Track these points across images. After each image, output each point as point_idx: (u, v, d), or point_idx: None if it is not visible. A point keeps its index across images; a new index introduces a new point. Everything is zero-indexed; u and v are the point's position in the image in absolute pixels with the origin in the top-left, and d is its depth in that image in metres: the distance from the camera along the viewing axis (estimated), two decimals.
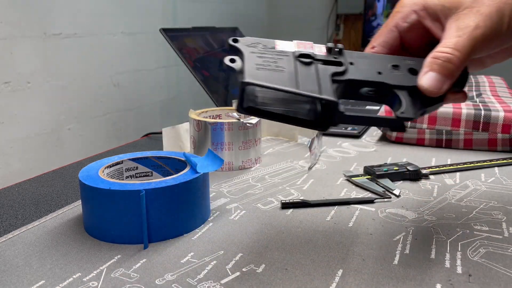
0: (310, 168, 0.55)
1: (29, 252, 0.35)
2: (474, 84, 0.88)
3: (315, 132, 0.63)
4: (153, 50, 2.12)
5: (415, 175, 0.51)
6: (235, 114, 0.57)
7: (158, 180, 0.37)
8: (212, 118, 0.61)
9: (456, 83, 0.33)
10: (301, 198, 0.46)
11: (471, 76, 0.99)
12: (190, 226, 0.39)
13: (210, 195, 0.47)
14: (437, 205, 0.44)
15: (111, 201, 0.35)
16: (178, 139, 0.61)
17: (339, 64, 0.33)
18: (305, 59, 0.33)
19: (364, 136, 0.71)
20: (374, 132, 0.73)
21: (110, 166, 0.42)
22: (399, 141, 0.66)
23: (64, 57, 1.72)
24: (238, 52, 0.32)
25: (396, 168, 0.51)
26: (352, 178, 0.50)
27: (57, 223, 0.41)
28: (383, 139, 0.68)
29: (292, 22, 3.23)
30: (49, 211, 0.44)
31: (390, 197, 0.46)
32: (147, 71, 2.11)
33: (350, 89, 0.33)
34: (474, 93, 0.77)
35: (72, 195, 0.48)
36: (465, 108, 0.63)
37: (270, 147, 0.65)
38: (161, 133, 0.72)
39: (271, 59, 0.32)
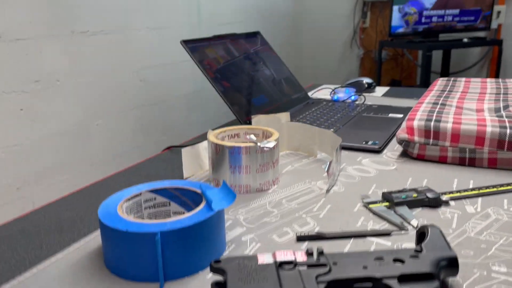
0: (327, 190, 0.55)
1: None
2: (502, 91, 0.85)
3: (334, 149, 0.63)
4: (178, 44, 2.13)
5: (434, 202, 0.50)
6: (253, 136, 0.58)
7: (173, 220, 0.38)
8: (231, 138, 0.62)
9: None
10: (317, 229, 0.46)
11: (499, 81, 0.95)
12: (205, 263, 0.39)
13: (227, 224, 0.48)
14: (456, 239, 0.43)
15: (128, 242, 0.37)
16: (197, 158, 0.62)
17: (323, 265, 0.34)
18: (288, 265, 0.34)
19: (385, 151, 0.70)
20: (396, 146, 0.71)
21: (129, 199, 0.43)
22: (420, 158, 0.65)
23: (91, 54, 1.75)
24: (221, 271, 0.33)
25: (415, 195, 0.51)
26: (370, 205, 0.50)
27: (80, 255, 0.42)
28: (404, 155, 0.67)
29: (318, 11, 3.17)
30: (72, 240, 0.45)
31: (408, 229, 0.46)
32: (172, 65, 2.13)
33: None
34: (501, 104, 0.75)
35: (95, 220, 0.50)
36: (490, 126, 0.61)
37: (289, 164, 0.65)
38: (182, 146, 0.73)
39: (254, 271, 0.33)
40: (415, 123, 0.65)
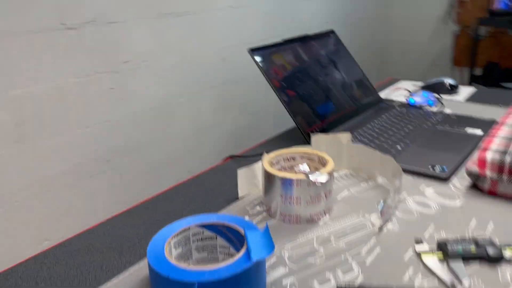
0: (380, 229, 0.54)
1: None
2: None
3: (395, 178, 0.60)
4: (259, 22, 2.13)
5: (495, 260, 0.47)
6: (306, 167, 0.57)
7: (212, 269, 0.40)
8: (286, 160, 0.62)
9: None
10: (360, 280, 0.45)
11: None
12: None
13: (271, 261, 0.48)
14: None
15: (169, 287, 0.39)
16: (253, 178, 0.63)
17: None
18: None
19: (453, 179, 0.65)
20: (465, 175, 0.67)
21: (178, 234, 0.46)
22: (492, 194, 0.60)
23: (175, 35, 1.81)
24: None
25: (474, 249, 0.47)
26: (422, 255, 0.48)
27: (132, 282, 0.46)
28: (474, 187, 0.63)
29: None
30: (129, 263, 0.49)
31: None
32: (252, 44, 2.14)
33: None
34: None
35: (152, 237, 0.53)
36: None
37: (346, 188, 0.64)
38: (242, 156, 0.74)
39: None
40: (489, 156, 0.60)
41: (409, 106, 0.96)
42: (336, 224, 0.55)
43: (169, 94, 1.85)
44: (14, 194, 1.41)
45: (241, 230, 0.46)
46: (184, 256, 0.47)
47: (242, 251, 0.42)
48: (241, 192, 0.62)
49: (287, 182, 0.54)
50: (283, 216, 0.56)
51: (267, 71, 0.78)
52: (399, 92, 1.08)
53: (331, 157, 0.69)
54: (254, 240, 0.43)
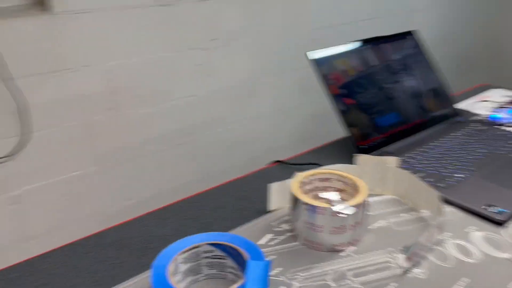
0: (404, 272, 0.50)
1: None
2: None
3: (438, 211, 0.55)
4: (351, 3, 2.03)
5: None
6: (333, 196, 0.54)
7: None
8: (321, 181, 0.60)
9: None
10: None
11: None
12: None
13: (278, 286, 0.48)
14: None
15: None
16: (285, 193, 0.62)
17: None
18: None
19: (509, 226, 0.58)
20: None
21: (187, 250, 0.47)
22: None
23: (266, 15, 1.81)
24: None
25: None
26: None
27: (143, 286, 0.49)
28: None
29: None
30: (147, 265, 0.52)
31: None
32: (346, 25, 2.06)
33: None
34: None
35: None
36: None
37: (383, 218, 0.60)
38: (289, 163, 0.73)
39: None
40: None
41: (489, 123, 0.86)
42: (360, 258, 0.53)
43: (253, 73, 1.86)
44: (103, 156, 1.56)
45: (246, 257, 0.46)
46: (194, 271, 0.49)
47: (241, 281, 0.43)
48: (272, 206, 0.62)
49: (310, 209, 0.52)
50: (306, 240, 0.55)
51: (325, 76, 0.75)
52: (483, 104, 0.97)
53: (376, 180, 0.65)
54: (254, 273, 0.43)
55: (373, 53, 0.83)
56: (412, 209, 0.62)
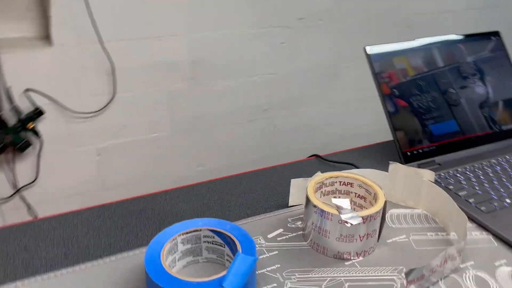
0: None
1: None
2: None
3: (463, 237, 0.51)
4: None
5: None
6: (344, 203, 0.52)
7: (184, 280, 0.42)
8: (343, 184, 0.58)
9: None
10: None
11: None
12: None
13: (270, 286, 0.48)
14: None
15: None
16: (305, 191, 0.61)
17: None
18: None
19: None
20: None
21: (188, 232, 0.49)
22: None
23: None
24: None
25: None
26: None
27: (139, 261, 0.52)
28: None
29: None
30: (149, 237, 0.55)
31: None
32: (448, 13, 1.90)
33: None
34: None
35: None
36: None
37: (405, 233, 0.56)
38: (326, 160, 0.71)
39: None
40: None
41: None
42: (363, 271, 0.51)
43: (337, 57, 1.81)
44: (180, 122, 1.64)
45: (239, 248, 0.47)
46: (194, 252, 0.51)
47: (223, 273, 0.44)
48: (291, 201, 0.61)
49: (319, 212, 0.51)
50: (313, 243, 0.54)
51: (378, 74, 0.71)
52: None
53: (409, 192, 0.61)
54: (239, 266, 0.44)
55: (444, 53, 0.76)
56: (441, 230, 0.57)
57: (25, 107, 1.38)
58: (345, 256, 0.52)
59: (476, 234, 0.56)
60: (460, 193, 0.62)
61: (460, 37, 0.78)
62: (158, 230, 0.57)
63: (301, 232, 0.56)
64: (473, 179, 0.65)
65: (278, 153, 1.89)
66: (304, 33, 1.72)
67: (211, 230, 0.50)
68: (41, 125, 1.43)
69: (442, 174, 0.67)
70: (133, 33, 1.44)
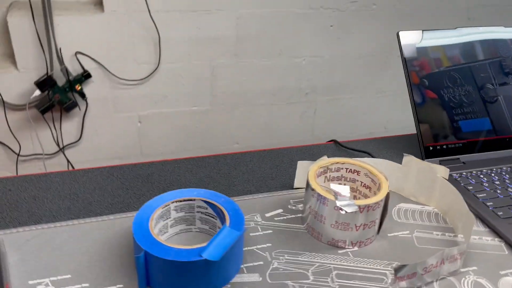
0: None
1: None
2: None
3: (469, 237, 0.48)
4: None
5: None
6: (344, 188, 0.50)
7: (166, 246, 0.43)
8: (349, 171, 0.55)
9: None
10: None
11: None
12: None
13: (256, 260, 0.48)
14: None
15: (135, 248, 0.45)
16: None
17: None
18: None
19: None
20: None
21: (182, 201, 0.50)
22: None
23: None
24: None
25: None
26: None
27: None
28: None
29: None
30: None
31: None
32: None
33: None
34: None
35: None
36: None
37: (410, 229, 0.54)
38: (343, 146, 0.69)
39: None
40: None
41: None
42: (355, 261, 0.49)
43: (388, 45, 1.74)
44: (220, 98, 1.65)
45: (227, 219, 0.46)
46: (187, 221, 0.51)
47: (204, 244, 0.44)
48: (297, 183, 0.60)
49: (316, 196, 0.50)
50: (309, 227, 0.52)
51: (409, 61, 0.67)
52: None
53: (422, 187, 0.58)
54: (222, 240, 0.44)
55: (486, 46, 0.71)
56: (450, 230, 0.54)
57: (74, 70, 1.44)
58: (339, 244, 0.50)
59: (487, 240, 0.53)
60: (479, 195, 0.58)
61: (507, 30, 0.72)
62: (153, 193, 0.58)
63: (299, 215, 0.55)
64: (496, 182, 0.61)
65: (316, 139, 1.86)
66: (355, 17, 1.66)
67: (205, 201, 0.50)
68: (88, 88, 1.49)
69: (464, 173, 0.63)
70: (182, 5, 1.45)
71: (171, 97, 1.60)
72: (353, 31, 1.69)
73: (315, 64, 1.72)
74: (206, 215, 0.51)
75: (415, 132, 0.71)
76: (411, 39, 0.68)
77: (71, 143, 1.56)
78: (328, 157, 0.68)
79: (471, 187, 0.60)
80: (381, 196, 0.49)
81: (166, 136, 1.66)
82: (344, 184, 0.56)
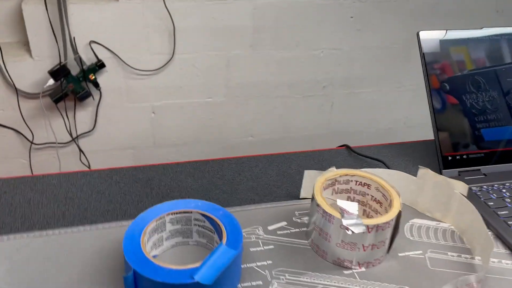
0: None
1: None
2: None
3: (487, 262, 0.44)
4: None
5: None
6: (352, 206, 0.46)
7: (160, 267, 0.40)
8: (359, 184, 0.52)
9: None
10: None
11: None
12: None
13: (257, 280, 0.45)
14: None
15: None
16: None
17: None
18: None
19: None
20: None
21: (178, 213, 0.47)
22: None
23: None
24: None
25: None
26: None
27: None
28: None
29: None
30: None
31: None
32: None
33: None
34: None
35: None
36: None
37: (423, 249, 0.50)
38: (355, 152, 0.66)
39: None
40: None
41: None
42: (361, 284, 0.45)
43: (411, 37, 1.67)
44: (235, 90, 1.62)
45: (224, 237, 0.43)
46: (184, 234, 0.49)
47: (198, 263, 0.41)
48: (303, 193, 0.57)
49: (321, 212, 0.46)
50: (313, 244, 0.49)
51: (430, 64, 0.62)
52: None
53: (438, 203, 0.54)
54: (217, 260, 0.41)
55: None
56: (466, 251, 0.50)
57: (88, 59, 1.43)
58: (345, 264, 0.47)
59: (507, 263, 0.49)
60: (500, 212, 0.54)
61: None
62: (159, 203, 0.55)
63: (304, 229, 0.52)
64: None
65: (333, 133, 1.82)
66: (377, 8, 1.60)
67: (202, 214, 0.47)
68: (102, 78, 1.47)
69: (485, 186, 0.59)
70: None
71: (185, 88, 1.57)
72: (374, 23, 1.63)
73: (333, 56, 1.66)
74: (203, 228, 0.48)
75: (433, 138, 0.67)
76: (432, 39, 0.63)
77: (85, 133, 1.55)
78: (339, 164, 0.64)
79: (491, 203, 0.56)
80: (392, 215, 0.45)
81: (180, 127, 1.64)
82: (353, 198, 0.53)
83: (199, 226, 0.48)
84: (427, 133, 1.82)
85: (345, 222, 0.44)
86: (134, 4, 1.39)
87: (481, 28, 0.65)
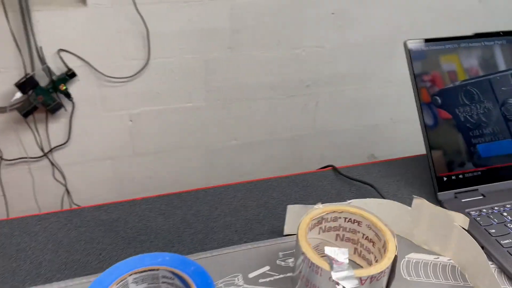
0: None
1: None
2: None
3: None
4: None
5: None
6: (341, 254, 0.41)
7: None
8: (348, 221, 0.46)
9: None
10: None
11: None
12: None
13: None
14: None
15: None
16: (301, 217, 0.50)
17: None
18: None
19: None
20: None
21: (143, 271, 0.41)
22: None
23: None
24: None
25: None
26: None
27: None
28: None
29: None
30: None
31: None
32: None
33: None
34: None
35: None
36: None
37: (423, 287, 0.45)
38: (342, 174, 0.60)
39: None
40: None
41: None
42: None
43: (396, 32, 1.62)
44: (215, 93, 1.55)
45: None
46: None
47: None
48: (287, 229, 0.51)
49: (306, 262, 0.41)
50: None
51: (419, 75, 0.57)
52: None
53: (437, 236, 0.48)
54: None
55: (509, 53, 0.60)
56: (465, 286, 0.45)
57: (58, 68, 1.35)
58: None
59: None
60: (503, 241, 0.49)
61: None
62: (125, 250, 0.49)
63: (289, 274, 0.46)
64: None
65: (318, 133, 1.76)
66: (358, 2, 1.54)
67: (171, 272, 0.41)
68: (74, 87, 1.39)
69: (484, 210, 0.54)
70: None
71: (163, 93, 1.50)
72: (356, 18, 1.57)
73: (315, 54, 1.61)
74: (173, 286, 0.42)
75: (425, 153, 0.61)
76: (420, 49, 0.57)
77: (59, 145, 1.47)
78: (324, 188, 0.58)
79: (493, 230, 0.50)
80: (387, 262, 0.40)
81: (160, 134, 1.57)
82: (343, 236, 0.47)
83: (168, 283, 0.42)
84: (413, 128, 1.78)
85: (335, 275, 0.39)
86: (104, 9, 1.31)
87: (473, 35, 0.60)
